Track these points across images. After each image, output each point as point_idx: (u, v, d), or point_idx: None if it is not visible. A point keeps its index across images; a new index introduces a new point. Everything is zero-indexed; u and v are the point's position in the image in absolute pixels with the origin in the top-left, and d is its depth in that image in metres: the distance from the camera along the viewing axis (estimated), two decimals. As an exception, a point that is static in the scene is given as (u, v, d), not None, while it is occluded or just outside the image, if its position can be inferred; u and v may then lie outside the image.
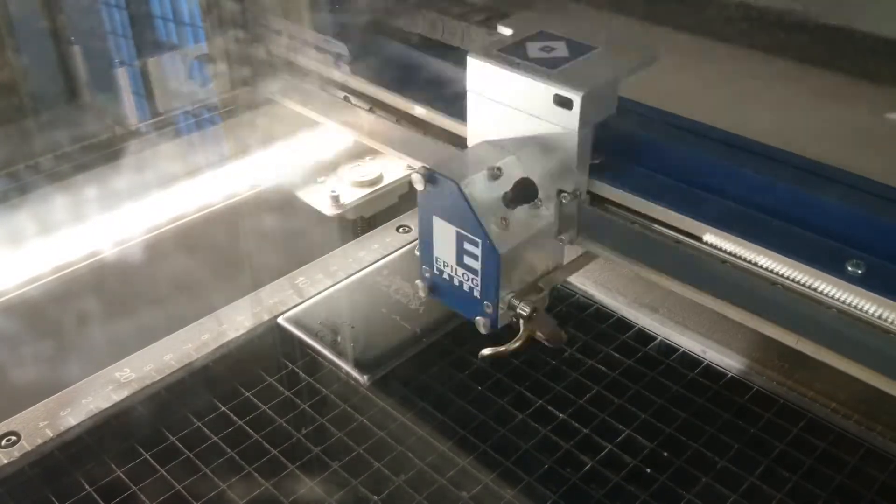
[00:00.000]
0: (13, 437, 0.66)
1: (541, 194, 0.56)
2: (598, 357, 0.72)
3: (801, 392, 0.67)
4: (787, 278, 0.49)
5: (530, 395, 0.69)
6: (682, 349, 0.73)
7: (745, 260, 0.51)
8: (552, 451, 0.64)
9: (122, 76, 0.89)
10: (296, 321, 0.77)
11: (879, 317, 0.46)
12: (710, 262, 0.52)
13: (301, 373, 0.72)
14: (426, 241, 0.59)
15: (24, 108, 0.87)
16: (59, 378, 0.72)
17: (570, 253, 0.62)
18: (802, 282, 0.49)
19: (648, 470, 0.62)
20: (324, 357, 0.73)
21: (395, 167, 0.92)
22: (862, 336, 0.47)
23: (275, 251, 0.89)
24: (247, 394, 0.70)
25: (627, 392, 0.69)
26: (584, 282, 0.80)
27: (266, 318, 0.77)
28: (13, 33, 0.85)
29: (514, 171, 0.56)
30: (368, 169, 0.95)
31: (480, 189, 0.55)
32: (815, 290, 0.48)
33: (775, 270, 0.50)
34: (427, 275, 0.61)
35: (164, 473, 0.63)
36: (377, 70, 0.76)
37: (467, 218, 0.55)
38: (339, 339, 0.75)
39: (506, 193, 0.55)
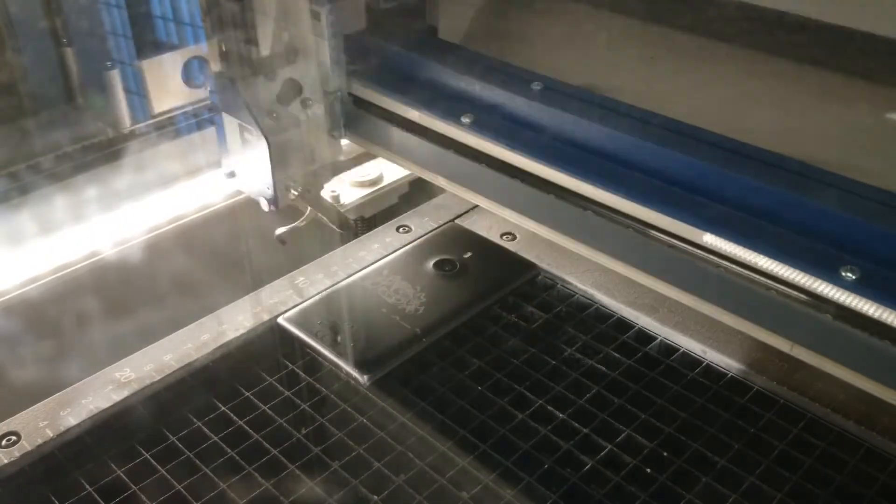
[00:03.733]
0: (13, 437, 0.66)
1: (308, 94, 0.69)
2: (598, 357, 0.72)
3: (801, 392, 0.67)
4: (781, 283, 0.49)
5: (530, 395, 0.69)
6: (682, 349, 0.73)
7: (740, 264, 0.51)
8: (552, 451, 0.64)
9: (115, 77, 0.89)
10: (296, 321, 0.77)
11: (874, 322, 0.46)
12: (706, 266, 0.52)
13: (301, 373, 0.72)
14: (221, 135, 0.73)
15: (18, 109, 0.87)
16: (59, 378, 0.72)
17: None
18: (796, 286, 0.49)
19: (648, 470, 0.62)
20: (324, 357, 0.73)
21: (394, 167, 0.93)
22: (856, 342, 0.47)
23: (275, 251, 0.89)
24: (247, 394, 0.70)
25: (627, 392, 0.69)
26: (584, 282, 0.80)
27: (266, 318, 0.77)
28: (12, 34, 0.85)
29: (287, 74, 0.70)
30: (368, 169, 0.95)
31: (257, 89, 0.69)
32: (808, 295, 0.48)
33: (769, 275, 0.50)
34: (226, 166, 0.75)
35: (164, 473, 0.63)
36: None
37: (244, 112, 0.69)
38: (339, 339, 0.75)
39: (277, 93, 0.69)
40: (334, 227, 0.77)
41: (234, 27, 0.68)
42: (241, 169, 0.75)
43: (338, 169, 0.79)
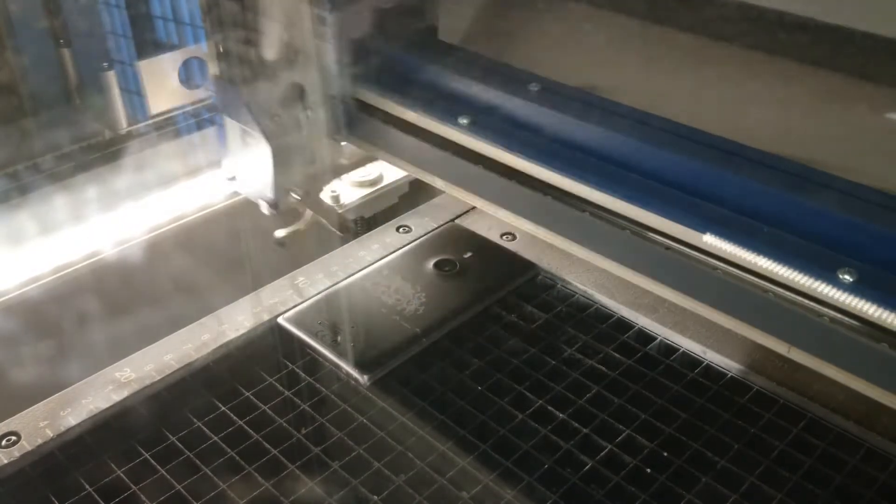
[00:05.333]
0: (13, 437, 0.66)
1: (313, 98, 0.69)
2: (598, 357, 0.72)
3: (801, 392, 0.67)
4: (778, 285, 0.49)
5: (530, 395, 0.69)
6: (682, 349, 0.73)
7: (737, 266, 0.51)
8: (552, 451, 0.64)
9: (112, 78, 0.89)
10: (296, 321, 0.77)
11: (871, 324, 0.46)
12: (703, 269, 0.52)
13: (301, 373, 0.72)
14: (223, 138, 0.73)
15: (15, 110, 0.87)
16: (59, 378, 0.72)
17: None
18: (793, 289, 0.48)
19: (648, 470, 0.62)
20: (324, 357, 0.73)
21: (394, 167, 0.92)
22: (853, 344, 0.47)
23: (275, 251, 0.89)
24: (247, 394, 0.70)
25: (627, 392, 0.69)
26: (584, 282, 0.80)
27: (266, 318, 0.77)
28: (10, 34, 0.85)
29: (289, 77, 0.69)
30: (368, 169, 0.95)
31: (258, 92, 0.68)
32: (806, 297, 0.48)
33: (766, 277, 0.49)
34: (229, 172, 0.74)
35: (164, 473, 0.63)
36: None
37: (246, 115, 0.68)
38: (339, 339, 0.75)
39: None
40: (334, 230, 0.77)
41: (236, 29, 0.69)
42: (242, 171, 0.75)
43: (338, 171, 0.79)
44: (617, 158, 0.59)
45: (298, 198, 0.71)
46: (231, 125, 0.72)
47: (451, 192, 0.67)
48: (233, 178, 0.75)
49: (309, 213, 0.74)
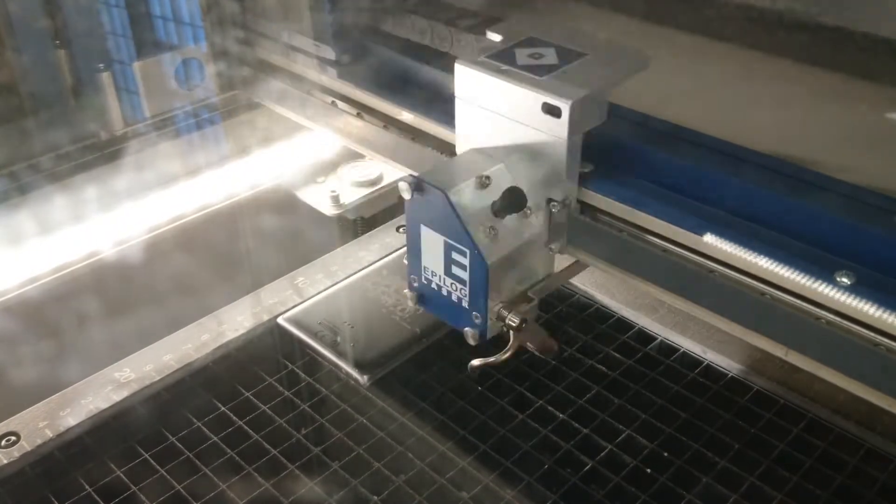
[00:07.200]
0: (13, 437, 0.66)
1: (530, 203, 0.56)
2: (598, 357, 0.72)
3: (801, 392, 0.67)
4: (776, 288, 0.49)
5: (530, 395, 0.69)
6: (682, 349, 0.73)
7: (734, 269, 0.51)
8: (552, 451, 0.64)
9: (107, 79, 0.88)
10: (296, 321, 0.77)
11: (868, 327, 0.46)
12: (700, 272, 0.52)
13: (301, 373, 0.72)
14: (414, 249, 0.59)
15: (12, 110, 0.87)
16: (58, 378, 0.72)
17: (562, 262, 0.61)
18: (791, 291, 0.48)
19: (648, 470, 0.62)
20: (324, 357, 0.73)
21: (395, 167, 0.92)
22: (851, 347, 0.47)
23: (275, 251, 0.90)
24: (246, 394, 0.70)
25: (627, 392, 0.69)
26: (584, 282, 0.80)
27: (266, 318, 0.77)
28: (8, 34, 0.85)
29: (502, 179, 0.56)
30: (368, 169, 0.95)
31: (468, 198, 0.55)
32: (803, 300, 0.48)
33: (763, 280, 0.49)
34: (415, 284, 0.60)
35: (164, 473, 0.63)
36: (366, 75, 0.75)
37: (455, 227, 0.55)
38: (338, 339, 0.75)
39: (494, 202, 0.55)
40: (543, 357, 0.62)
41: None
42: (436, 293, 0.60)
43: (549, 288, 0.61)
44: (615, 161, 0.59)
45: (515, 324, 0.57)
46: (432, 238, 0.57)
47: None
48: (421, 300, 0.62)
49: (515, 342, 0.60)
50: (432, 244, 0.57)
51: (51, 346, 0.81)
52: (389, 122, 0.72)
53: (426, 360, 0.73)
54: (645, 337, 0.75)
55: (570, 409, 0.67)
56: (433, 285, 0.59)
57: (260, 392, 0.70)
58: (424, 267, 0.59)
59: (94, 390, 0.70)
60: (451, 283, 0.58)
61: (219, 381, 0.71)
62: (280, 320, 0.77)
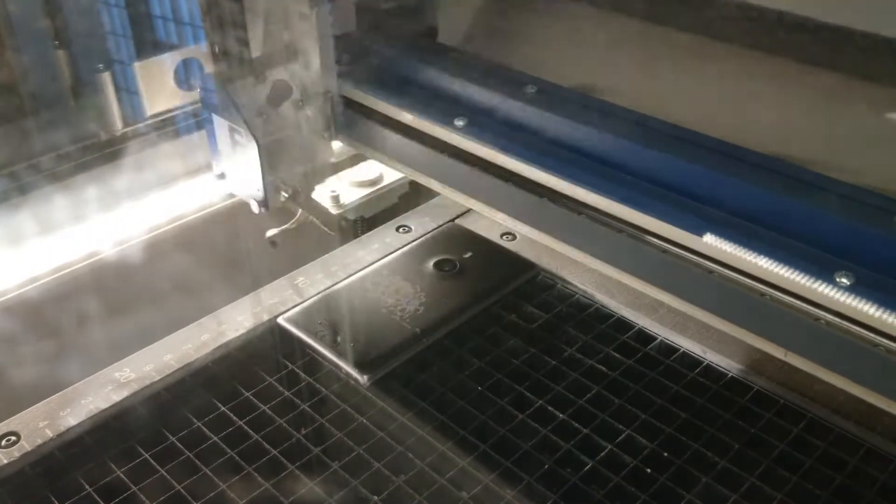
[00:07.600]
0: (13, 437, 0.66)
1: (300, 95, 0.69)
2: (598, 357, 0.72)
3: (801, 392, 0.67)
4: (775, 288, 0.49)
5: (530, 395, 0.69)
6: (682, 349, 0.73)
7: (734, 269, 0.51)
8: (552, 451, 0.64)
9: (107, 80, 0.88)
10: (296, 321, 0.77)
11: (868, 328, 0.46)
12: (698, 272, 0.52)
13: (301, 373, 0.72)
14: (212, 136, 0.73)
15: (12, 111, 0.87)
16: (58, 378, 0.72)
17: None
18: (790, 291, 0.48)
19: (649, 470, 0.62)
20: (324, 357, 0.73)
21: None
22: (850, 348, 0.47)
23: (274, 251, 0.89)
24: (246, 394, 0.70)
25: (627, 392, 0.69)
26: (584, 282, 0.80)
27: (266, 318, 0.77)
28: (8, 34, 0.85)
29: (278, 75, 0.69)
30: (368, 169, 0.95)
31: (246, 90, 0.68)
32: (802, 300, 0.48)
33: (763, 281, 0.49)
34: (217, 167, 0.75)
35: (164, 473, 0.63)
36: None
37: (234, 113, 0.69)
38: (339, 339, 0.75)
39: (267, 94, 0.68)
40: (325, 229, 0.77)
41: (226, 27, 0.68)
42: (232, 170, 0.75)
43: (334, 169, 0.79)
44: (614, 161, 0.59)
45: (288, 196, 0.71)
46: (220, 124, 0.72)
47: (446, 193, 0.67)
48: (222, 176, 0.75)
49: (300, 212, 0.74)
50: (222, 129, 0.72)
51: (51, 346, 0.81)
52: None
53: (426, 360, 0.73)
54: (645, 337, 0.75)
55: (570, 409, 0.67)
56: (229, 164, 0.73)
57: (260, 392, 0.70)
58: (220, 150, 0.73)
59: (95, 390, 0.70)
60: (238, 160, 0.71)
61: (219, 381, 0.71)
62: (280, 320, 0.77)
